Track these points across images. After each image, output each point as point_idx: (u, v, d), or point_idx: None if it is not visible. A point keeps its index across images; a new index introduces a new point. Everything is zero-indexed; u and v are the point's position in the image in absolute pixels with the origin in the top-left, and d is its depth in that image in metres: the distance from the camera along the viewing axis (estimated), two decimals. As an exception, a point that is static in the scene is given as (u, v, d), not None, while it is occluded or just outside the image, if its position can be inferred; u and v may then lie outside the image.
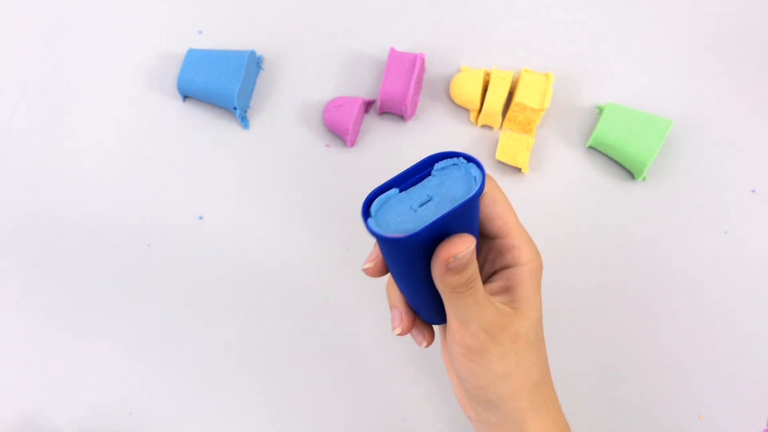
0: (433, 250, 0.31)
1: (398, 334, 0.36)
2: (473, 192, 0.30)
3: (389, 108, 0.52)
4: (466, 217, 0.31)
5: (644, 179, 0.52)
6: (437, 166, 0.31)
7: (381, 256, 0.35)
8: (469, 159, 0.31)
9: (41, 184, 0.53)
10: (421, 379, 0.49)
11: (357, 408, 0.49)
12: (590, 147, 0.53)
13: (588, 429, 0.48)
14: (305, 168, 0.53)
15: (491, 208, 0.34)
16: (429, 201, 0.31)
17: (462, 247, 0.30)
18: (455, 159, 0.31)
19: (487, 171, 0.52)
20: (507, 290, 0.35)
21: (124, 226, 0.52)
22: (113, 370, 0.50)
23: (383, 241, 0.30)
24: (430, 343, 0.38)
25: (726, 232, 0.51)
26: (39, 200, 0.53)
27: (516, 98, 0.51)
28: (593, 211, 0.52)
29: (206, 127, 0.54)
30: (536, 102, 0.50)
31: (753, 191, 0.52)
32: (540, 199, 0.52)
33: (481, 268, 0.37)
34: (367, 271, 0.35)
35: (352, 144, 0.53)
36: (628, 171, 0.52)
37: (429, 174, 0.31)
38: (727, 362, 0.49)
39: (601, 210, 0.52)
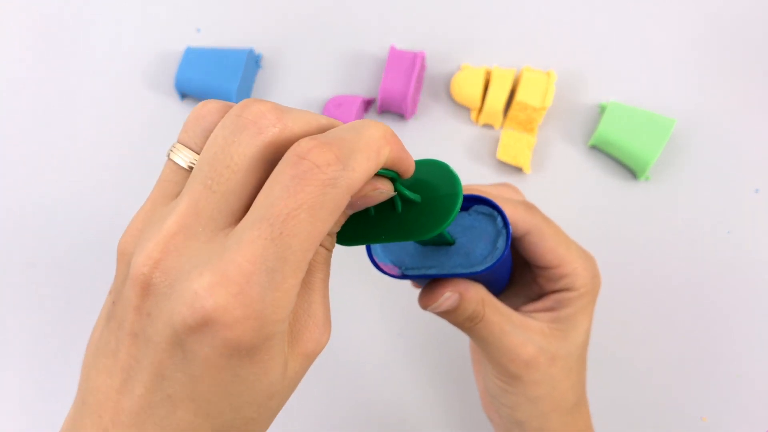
0: None
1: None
2: (480, 267, 0.28)
3: (389, 107, 0.52)
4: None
5: (647, 179, 0.52)
6: (476, 208, 0.29)
7: None
8: (506, 224, 0.29)
9: (39, 182, 0.53)
10: (421, 379, 0.49)
11: (357, 407, 0.49)
12: (592, 146, 0.52)
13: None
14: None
15: (537, 245, 0.33)
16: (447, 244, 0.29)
17: (429, 301, 0.30)
18: (493, 211, 0.29)
19: (488, 170, 0.52)
20: (552, 310, 0.34)
21: (123, 226, 0.52)
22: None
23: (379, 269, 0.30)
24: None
25: (729, 232, 0.51)
26: (37, 199, 0.52)
27: (517, 97, 0.50)
28: (595, 210, 0.51)
29: (205, 126, 0.53)
30: (538, 101, 0.50)
31: (756, 191, 0.52)
32: (541, 198, 0.51)
33: (532, 284, 0.36)
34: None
35: (352, 143, 0.52)
36: (631, 170, 0.52)
37: (466, 210, 0.29)
38: (730, 363, 0.49)
39: (603, 209, 0.51)
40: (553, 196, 0.52)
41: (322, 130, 0.22)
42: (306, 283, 0.23)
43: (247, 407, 0.22)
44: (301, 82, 0.54)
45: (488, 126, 0.53)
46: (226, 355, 0.20)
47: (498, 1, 0.56)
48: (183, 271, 0.20)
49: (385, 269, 0.29)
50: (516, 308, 0.35)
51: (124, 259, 0.23)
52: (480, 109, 0.52)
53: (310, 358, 0.23)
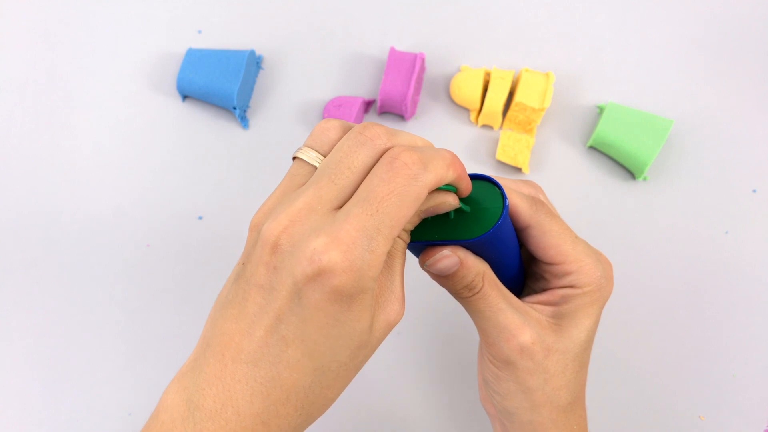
0: None
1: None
2: (475, 236, 0.30)
3: (389, 108, 0.52)
4: (483, 247, 0.31)
5: (645, 179, 0.52)
6: (481, 184, 0.31)
7: None
8: (503, 198, 0.30)
9: (40, 183, 0.53)
10: (420, 379, 0.49)
11: (356, 408, 0.49)
12: (591, 147, 0.53)
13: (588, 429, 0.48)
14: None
15: (539, 240, 0.33)
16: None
17: (427, 257, 0.31)
18: (496, 189, 0.31)
19: (488, 171, 0.52)
20: (554, 305, 0.34)
21: (124, 226, 0.52)
22: (113, 370, 0.50)
23: None
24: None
25: (727, 233, 0.51)
26: (38, 200, 0.53)
27: (516, 98, 0.51)
28: (594, 211, 0.52)
29: (206, 127, 0.54)
30: (537, 102, 0.50)
31: (754, 191, 0.52)
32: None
33: (539, 278, 0.36)
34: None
35: (352, 144, 0.53)
36: (629, 171, 0.52)
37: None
38: (727, 362, 0.49)
39: (602, 210, 0.52)
40: (552, 197, 0.52)
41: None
42: (389, 266, 0.29)
43: (342, 351, 0.27)
44: (302, 83, 0.54)
45: (487, 127, 0.53)
46: (332, 300, 0.25)
47: (497, 3, 0.56)
48: (304, 236, 0.26)
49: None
50: (519, 297, 0.35)
51: (255, 229, 0.29)
52: (479, 110, 0.53)
53: (390, 326, 0.28)
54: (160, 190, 0.53)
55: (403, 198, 0.26)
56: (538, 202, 0.33)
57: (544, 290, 0.35)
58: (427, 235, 0.31)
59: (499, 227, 0.30)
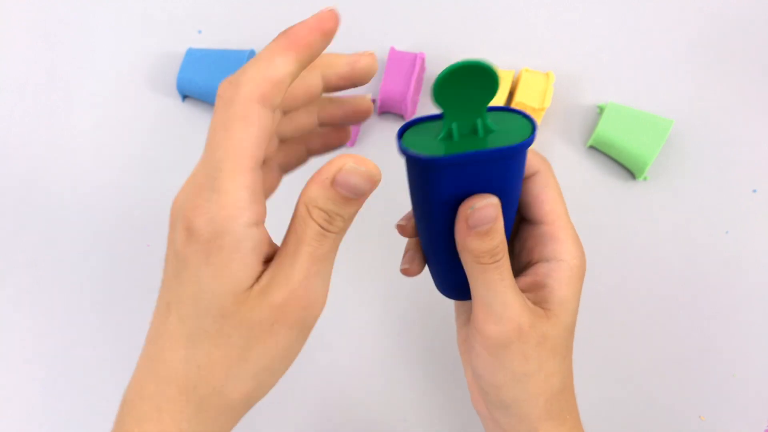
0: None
1: (404, 271, 0.34)
2: (523, 140, 0.28)
3: (389, 107, 0.52)
4: (505, 172, 0.29)
5: (645, 179, 0.52)
6: (509, 115, 0.30)
7: (416, 254, 0.34)
8: (532, 124, 0.29)
9: (41, 183, 0.53)
10: (421, 379, 0.49)
11: (356, 408, 0.49)
12: (591, 147, 0.53)
13: (588, 429, 0.48)
14: (305, 168, 0.53)
15: (542, 190, 0.32)
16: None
17: (480, 200, 0.28)
18: (524, 119, 0.30)
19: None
20: (539, 287, 0.32)
21: (124, 226, 0.52)
22: (113, 370, 0.50)
23: (413, 164, 0.29)
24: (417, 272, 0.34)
25: (727, 232, 0.51)
26: (38, 200, 0.53)
27: (516, 98, 0.51)
28: (594, 210, 0.52)
29: (206, 126, 0.53)
30: (537, 101, 0.50)
31: (754, 191, 0.52)
32: (540, 199, 0.52)
33: (518, 254, 0.34)
34: (405, 272, 0.34)
35: (353, 144, 0.53)
36: (629, 171, 0.52)
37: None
38: (727, 362, 0.49)
39: (602, 210, 0.52)
40: (552, 197, 0.52)
41: None
42: (294, 247, 0.26)
43: (205, 316, 0.26)
44: (302, 83, 0.54)
45: (487, 127, 0.53)
46: (186, 242, 0.25)
47: (497, 3, 0.56)
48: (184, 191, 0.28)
49: (419, 155, 0.28)
50: None
51: None
52: (479, 110, 0.53)
53: (277, 311, 0.26)
54: (160, 190, 0.53)
55: (226, 126, 0.25)
56: (545, 160, 0.33)
57: (525, 267, 0.33)
58: (451, 149, 0.28)
59: (531, 142, 0.28)
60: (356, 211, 0.28)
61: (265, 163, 0.32)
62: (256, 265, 0.26)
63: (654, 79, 0.54)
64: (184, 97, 0.54)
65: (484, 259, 0.29)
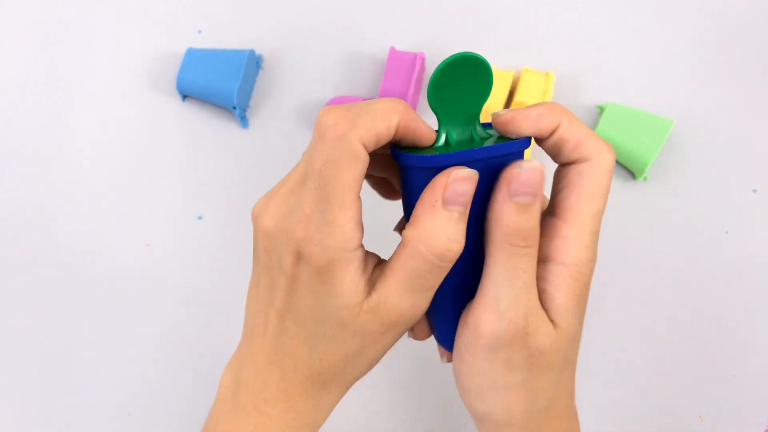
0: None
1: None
2: (520, 144, 0.27)
3: (389, 107, 0.52)
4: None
5: (645, 179, 0.52)
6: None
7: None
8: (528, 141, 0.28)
9: (40, 183, 0.53)
10: (420, 379, 0.49)
11: (356, 407, 0.49)
12: (591, 147, 0.53)
13: (588, 429, 0.48)
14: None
15: (580, 180, 0.27)
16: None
17: (527, 163, 0.26)
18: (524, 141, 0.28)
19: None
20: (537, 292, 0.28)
21: (123, 226, 0.52)
22: (112, 370, 0.50)
23: (411, 170, 0.28)
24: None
25: (727, 232, 0.51)
26: (38, 200, 0.53)
27: (516, 98, 0.51)
28: (594, 211, 0.52)
29: (206, 126, 0.54)
30: (537, 101, 0.50)
31: (754, 191, 0.52)
32: (540, 198, 0.52)
33: None
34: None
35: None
36: (629, 171, 0.52)
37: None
38: (728, 362, 0.49)
39: (602, 210, 0.52)
40: (552, 197, 0.52)
41: None
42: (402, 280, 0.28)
43: (326, 323, 0.28)
44: (302, 83, 0.54)
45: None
46: (308, 273, 0.27)
47: (497, 3, 0.56)
48: (285, 216, 0.28)
49: (413, 160, 0.27)
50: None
51: (253, 217, 0.32)
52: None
53: (372, 314, 0.28)
54: (160, 190, 0.53)
55: (338, 163, 0.26)
56: (611, 150, 0.28)
57: None
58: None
59: (529, 142, 0.27)
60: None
61: None
62: (361, 281, 0.28)
63: (654, 79, 0.54)
64: (184, 97, 0.54)
65: (515, 239, 0.26)
